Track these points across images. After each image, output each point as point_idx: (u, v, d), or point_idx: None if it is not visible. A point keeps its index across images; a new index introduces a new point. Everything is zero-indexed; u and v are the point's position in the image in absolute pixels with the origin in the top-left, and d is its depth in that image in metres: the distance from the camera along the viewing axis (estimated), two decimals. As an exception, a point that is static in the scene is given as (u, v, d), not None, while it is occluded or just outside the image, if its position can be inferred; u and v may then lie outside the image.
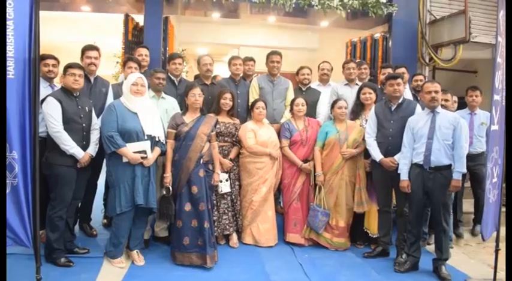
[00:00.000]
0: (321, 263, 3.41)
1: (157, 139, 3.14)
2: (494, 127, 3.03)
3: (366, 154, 3.61)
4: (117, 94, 3.46)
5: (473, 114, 4.17)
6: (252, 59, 4.35)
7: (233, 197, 3.72)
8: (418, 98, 3.96)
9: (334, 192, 3.67)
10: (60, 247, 3.07)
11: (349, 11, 4.95)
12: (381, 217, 3.57)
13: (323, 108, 4.16)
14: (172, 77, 3.90)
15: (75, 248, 3.27)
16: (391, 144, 3.36)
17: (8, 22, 2.24)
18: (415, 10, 5.32)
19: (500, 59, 2.96)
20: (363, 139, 3.59)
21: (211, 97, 3.80)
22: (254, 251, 3.61)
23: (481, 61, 6.14)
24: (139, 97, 3.09)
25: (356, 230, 3.80)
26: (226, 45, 8.88)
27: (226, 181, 3.61)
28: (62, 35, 7.55)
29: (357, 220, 3.76)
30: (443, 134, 3.11)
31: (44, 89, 3.14)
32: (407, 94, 3.96)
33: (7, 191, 2.28)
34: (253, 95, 4.03)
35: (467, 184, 4.27)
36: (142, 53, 3.93)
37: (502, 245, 2.94)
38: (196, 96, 3.31)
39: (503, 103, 2.99)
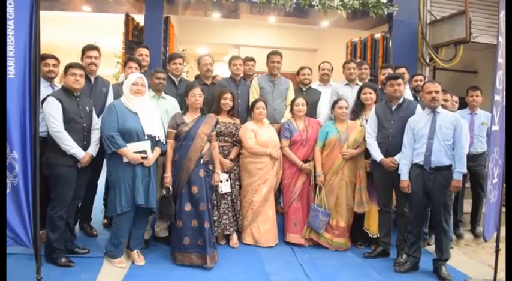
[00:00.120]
0: (321, 263, 3.41)
1: (157, 139, 3.14)
2: (495, 127, 3.03)
3: (366, 154, 3.61)
4: (118, 94, 3.46)
5: (473, 115, 4.17)
6: (252, 59, 4.34)
7: (233, 197, 3.72)
8: (418, 98, 3.97)
9: (335, 192, 3.67)
10: (61, 247, 3.07)
11: (349, 11, 4.96)
12: (381, 217, 3.57)
13: (323, 108, 4.15)
14: (172, 77, 3.90)
15: (75, 248, 3.27)
16: (391, 144, 3.36)
17: (8, 22, 2.24)
18: (416, 10, 5.32)
19: (501, 60, 2.96)
20: (364, 139, 3.59)
21: (212, 97, 3.80)
22: (254, 251, 3.61)
23: (481, 61, 6.15)
24: (140, 97, 3.09)
25: (356, 230, 3.80)
26: (227, 45, 8.90)
27: (227, 181, 3.61)
28: (63, 35, 7.57)
29: (357, 220, 3.76)
30: (443, 134, 3.11)
31: (45, 89, 3.14)
32: (408, 94, 3.96)
33: (7, 191, 2.27)
34: (254, 95, 4.02)
35: (468, 184, 4.27)
36: (143, 53, 3.93)
37: (502, 246, 2.94)
38: (197, 96, 3.31)
39: (504, 103, 2.99)
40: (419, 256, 3.30)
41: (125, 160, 3.00)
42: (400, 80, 3.40)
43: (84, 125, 3.05)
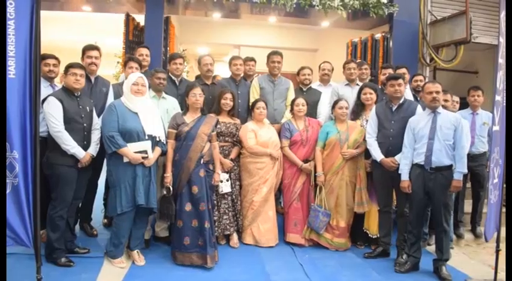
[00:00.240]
0: (321, 263, 3.41)
1: (158, 139, 3.14)
2: (496, 128, 3.03)
3: (367, 154, 3.61)
4: (118, 94, 3.46)
5: (475, 114, 4.17)
6: (252, 59, 4.34)
7: (234, 197, 3.72)
8: (418, 99, 3.97)
9: (335, 192, 3.67)
10: (61, 246, 3.07)
11: (350, 11, 4.96)
12: (382, 218, 3.57)
13: (324, 108, 4.15)
14: (173, 77, 3.90)
15: (75, 248, 3.27)
16: (391, 144, 3.36)
17: (8, 22, 2.24)
18: (416, 10, 5.31)
19: (502, 60, 2.96)
20: (364, 139, 3.59)
21: (212, 97, 3.80)
22: (254, 251, 3.61)
23: (482, 62, 6.15)
24: (140, 97, 3.09)
25: (356, 230, 3.80)
26: (227, 45, 8.90)
27: (227, 181, 3.61)
28: (63, 35, 7.57)
29: (357, 221, 3.76)
30: (444, 134, 3.11)
31: (45, 89, 3.14)
32: (408, 95, 3.96)
33: (7, 191, 2.27)
34: (254, 95, 4.02)
35: (469, 185, 4.27)
36: (143, 53, 3.93)
37: (502, 246, 2.93)
38: (197, 96, 3.31)
39: (504, 103, 2.98)
40: (419, 256, 3.30)
41: (125, 159, 3.00)
42: (400, 80, 3.39)
43: (85, 125, 3.05)
